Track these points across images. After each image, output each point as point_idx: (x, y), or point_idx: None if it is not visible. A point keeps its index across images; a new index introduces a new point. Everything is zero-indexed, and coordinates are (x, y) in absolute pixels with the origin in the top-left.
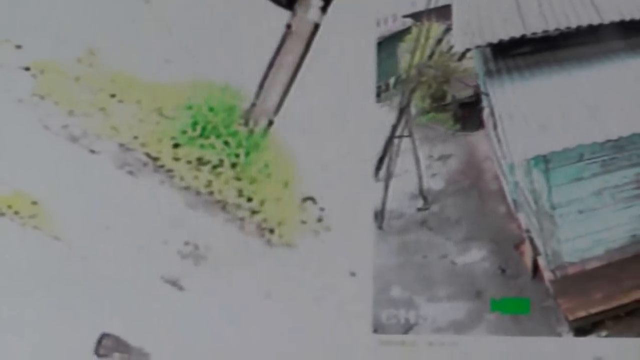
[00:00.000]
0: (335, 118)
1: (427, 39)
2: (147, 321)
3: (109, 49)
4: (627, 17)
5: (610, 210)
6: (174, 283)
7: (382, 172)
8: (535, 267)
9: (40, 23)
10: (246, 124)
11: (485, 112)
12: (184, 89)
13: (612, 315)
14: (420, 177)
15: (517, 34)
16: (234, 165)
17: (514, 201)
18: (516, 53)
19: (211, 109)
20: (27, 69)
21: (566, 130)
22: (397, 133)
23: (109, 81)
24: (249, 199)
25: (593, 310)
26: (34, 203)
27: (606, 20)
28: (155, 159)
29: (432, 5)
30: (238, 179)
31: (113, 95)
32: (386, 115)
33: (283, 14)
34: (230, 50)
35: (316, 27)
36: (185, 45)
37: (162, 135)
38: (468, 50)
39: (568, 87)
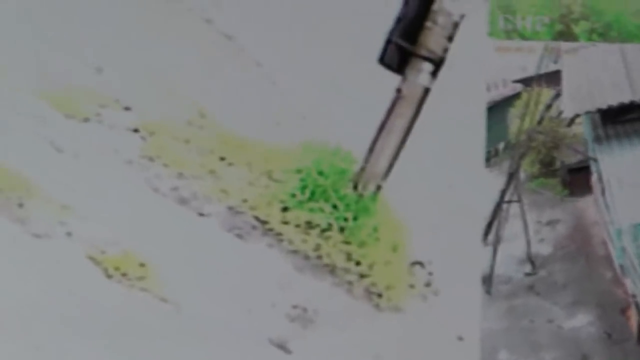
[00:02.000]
0: (444, 183)
1: (537, 104)
2: None
3: (219, 111)
4: None
5: None
6: (282, 346)
7: (491, 237)
8: None
9: (150, 84)
10: (355, 187)
11: (594, 178)
12: (294, 152)
13: None
14: (528, 242)
15: (626, 99)
16: (342, 229)
17: (621, 266)
18: (625, 119)
19: (320, 173)
20: (136, 130)
21: None
22: (506, 198)
23: (218, 143)
24: (358, 263)
25: None
26: (142, 265)
27: None
28: (264, 222)
29: (542, 71)
30: (347, 242)
31: (223, 158)
32: (495, 180)
33: (394, 79)
34: (340, 113)
35: (426, 91)
36: (296, 108)
37: (271, 199)
38: (577, 116)
39: None
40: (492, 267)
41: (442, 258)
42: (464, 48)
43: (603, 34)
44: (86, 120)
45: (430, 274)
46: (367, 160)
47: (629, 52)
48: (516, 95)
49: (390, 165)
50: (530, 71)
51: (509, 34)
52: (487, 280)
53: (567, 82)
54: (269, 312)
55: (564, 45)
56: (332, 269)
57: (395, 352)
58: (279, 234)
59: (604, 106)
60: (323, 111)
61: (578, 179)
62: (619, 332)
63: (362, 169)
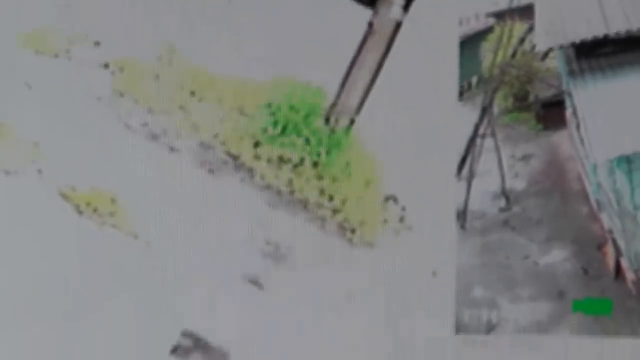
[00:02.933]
0: (417, 117)
1: (510, 38)
2: (227, 320)
3: (189, 46)
4: None
5: None
6: (255, 282)
7: (465, 172)
8: (618, 268)
9: (119, 19)
10: (327, 122)
11: (568, 112)
12: (265, 86)
13: None
14: (502, 177)
15: (600, 33)
16: (315, 164)
17: (597, 202)
18: (600, 53)
19: (292, 107)
20: (106, 66)
21: None
22: (480, 132)
23: (189, 79)
24: (330, 198)
25: None
26: (113, 201)
27: None
28: (236, 158)
29: (514, 5)
30: (319, 177)
31: (193, 93)
32: (468, 114)
33: (365, 12)
34: (312, 48)
35: (398, 25)
36: (267, 42)
37: (242, 134)
38: (551, 50)
39: None
40: (466, 202)
41: (415, 193)
42: None
43: None
44: (55, 56)
45: (403, 209)
46: (339, 94)
47: None
48: (489, 30)
49: (363, 100)
50: (503, 5)
51: None
52: (461, 216)
53: (540, 16)
54: (242, 248)
55: None
56: (305, 205)
57: (368, 288)
58: (251, 169)
59: (577, 40)
60: (294, 46)
61: (552, 113)
62: (595, 268)
63: (334, 104)
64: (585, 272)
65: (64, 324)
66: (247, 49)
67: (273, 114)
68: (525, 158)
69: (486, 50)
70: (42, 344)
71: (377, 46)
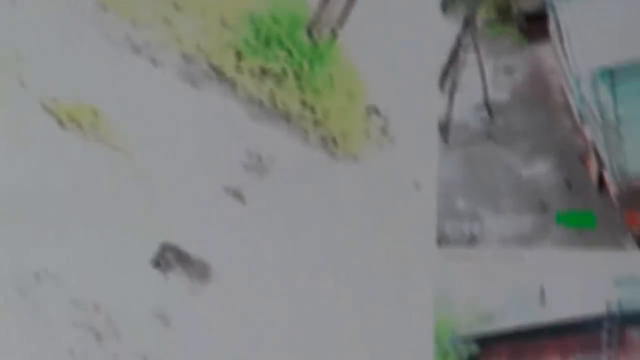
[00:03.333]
0: (399, 28)
1: None
2: (209, 232)
3: None
4: None
5: None
6: (237, 194)
7: (447, 84)
8: (601, 181)
9: None
10: (310, 34)
11: (552, 25)
12: None
13: None
14: (485, 90)
15: None
16: (297, 76)
17: (580, 114)
18: None
19: (275, 19)
20: None
21: (634, 43)
22: (462, 45)
23: None
24: (313, 110)
25: None
26: (95, 114)
27: None
28: (219, 70)
29: None
30: (302, 89)
31: (175, 5)
32: (451, 26)
33: None
34: None
35: None
36: None
37: (225, 46)
38: None
39: None
40: (448, 115)
41: (398, 105)
42: None
43: None
44: None
45: (386, 121)
46: (321, 6)
47: None
48: None
49: (346, 12)
50: None
51: None
52: (444, 128)
53: None
54: (224, 161)
55: None
56: (287, 117)
57: (351, 200)
58: (233, 81)
59: None
60: None
61: (536, 26)
62: (579, 180)
63: (317, 15)
64: (569, 184)
65: (44, 237)
66: None
67: (255, 25)
68: (508, 70)
69: None
70: (23, 258)
71: None
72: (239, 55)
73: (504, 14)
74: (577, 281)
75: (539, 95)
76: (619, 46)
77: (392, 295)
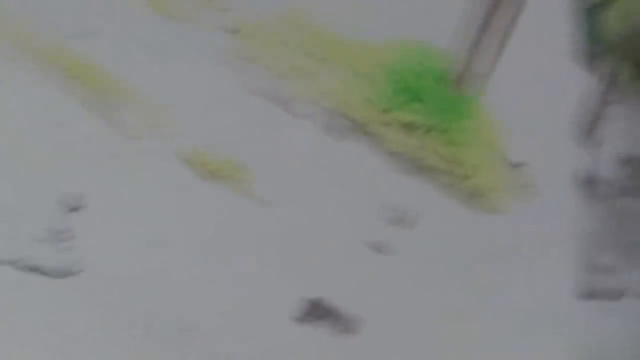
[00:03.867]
0: (544, 84)
1: (636, 5)
2: (354, 286)
3: (316, 12)
4: None
5: None
6: (381, 248)
7: (592, 139)
8: None
9: None
10: (456, 88)
11: None
12: (394, 52)
13: None
14: (629, 145)
15: None
16: (443, 131)
17: None
18: None
19: (421, 73)
20: (235, 31)
21: None
22: (608, 99)
23: (316, 44)
24: (458, 165)
25: None
26: (237, 166)
27: None
28: (364, 124)
29: None
30: (448, 144)
31: (320, 59)
32: (596, 81)
33: None
34: (441, 12)
35: None
36: (395, 6)
37: (370, 100)
38: None
39: None
40: (592, 169)
41: (542, 160)
42: None
43: None
44: (184, 21)
45: (530, 175)
46: (468, 60)
47: None
48: None
49: (492, 66)
50: None
51: None
52: (589, 182)
53: None
54: (369, 215)
55: None
56: (432, 171)
57: (495, 253)
58: (379, 135)
59: None
60: (423, 10)
61: None
62: None
63: (464, 70)
64: None
65: (196, 291)
66: (375, 13)
67: (401, 80)
68: None
69: (613, 18)
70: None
71: (507, 11)
72: (384, 110)
73: None
74: None
75: None
76: None
77: (536, 347)
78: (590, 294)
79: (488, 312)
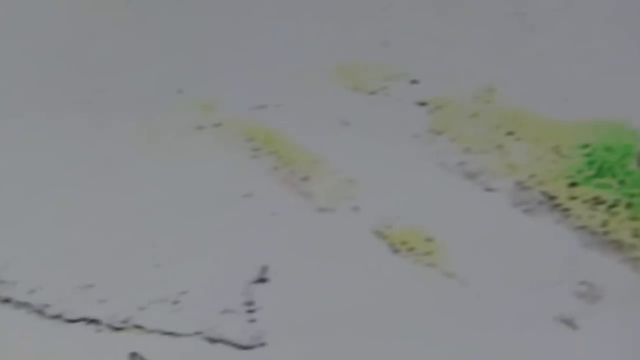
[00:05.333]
0: None
1: None
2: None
3: (507, 86)
4: None
5: None
6: (570, 323)
7: None
8: None
9: (438, 58)
10: None
11: None
12: (581, 127)
13: None
14: None
15: None
16: (629, 205)
17: None
18: None
19: (608, 149)
20: (423, 103)
21: None
22: None
23: (506, 118)
24: None
25: None
26: (429, 240)
27: None
28: (552, 198)
29: None
30: (634, 219)
31: (510, 133)
32: None
33: None
34: (628, 89)
35: None
36: (583, 84)
37: (558, 174)
38: None
39: None
40: None
41: None
42: None
43: None
44: (373, 93)
45: None
46: None
47: None
48: None
49: None
50: None
51: None
52: None
53: None
54: (556, 289)
55: None
56: (619, 245)
57: None
58: (567, 209)
59: None
60: (610, 87)
61: None
62: None
63: None
64: None
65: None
66: (564, 90)
67: (589, 154)
68: None
69: None
70: None
71: None
72: (572, 184)
73: None
74: None
75: None
76: None
77: None
78: None
79: None
